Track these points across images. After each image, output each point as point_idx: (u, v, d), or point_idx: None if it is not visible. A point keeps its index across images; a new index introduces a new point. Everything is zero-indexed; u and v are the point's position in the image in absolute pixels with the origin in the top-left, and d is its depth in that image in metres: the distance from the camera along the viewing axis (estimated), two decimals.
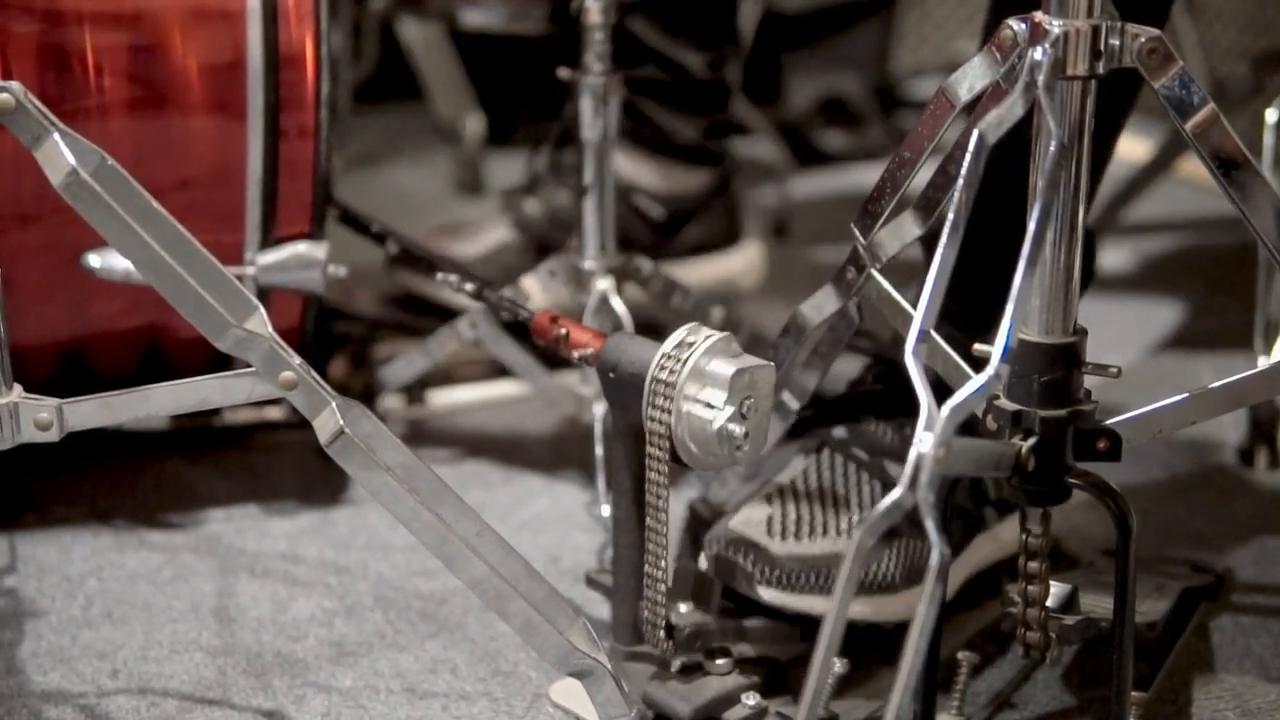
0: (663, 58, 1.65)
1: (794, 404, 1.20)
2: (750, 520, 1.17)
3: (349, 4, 2.26)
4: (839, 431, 1.23)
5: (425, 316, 1.62)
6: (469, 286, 1.33)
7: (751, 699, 1.08)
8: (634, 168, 1.65)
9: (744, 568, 1.14)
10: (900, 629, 1.10)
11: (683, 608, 1.11)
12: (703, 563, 1.16)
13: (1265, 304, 1.43)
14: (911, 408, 0.85)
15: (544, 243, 1.63)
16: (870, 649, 1.12)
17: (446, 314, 1.52)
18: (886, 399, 1.23)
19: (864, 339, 1.27)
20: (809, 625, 1.12)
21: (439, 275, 1.36)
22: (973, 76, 0.98)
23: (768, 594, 1.13)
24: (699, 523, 1.28)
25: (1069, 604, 1.07)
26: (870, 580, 1.14)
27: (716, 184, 1.72)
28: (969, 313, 1.15)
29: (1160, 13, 1.21)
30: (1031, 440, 0.96)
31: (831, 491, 1.18)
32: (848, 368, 1.30)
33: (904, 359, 0.88)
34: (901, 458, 1.10)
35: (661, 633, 1.08)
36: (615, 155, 1.43)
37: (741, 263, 1.70)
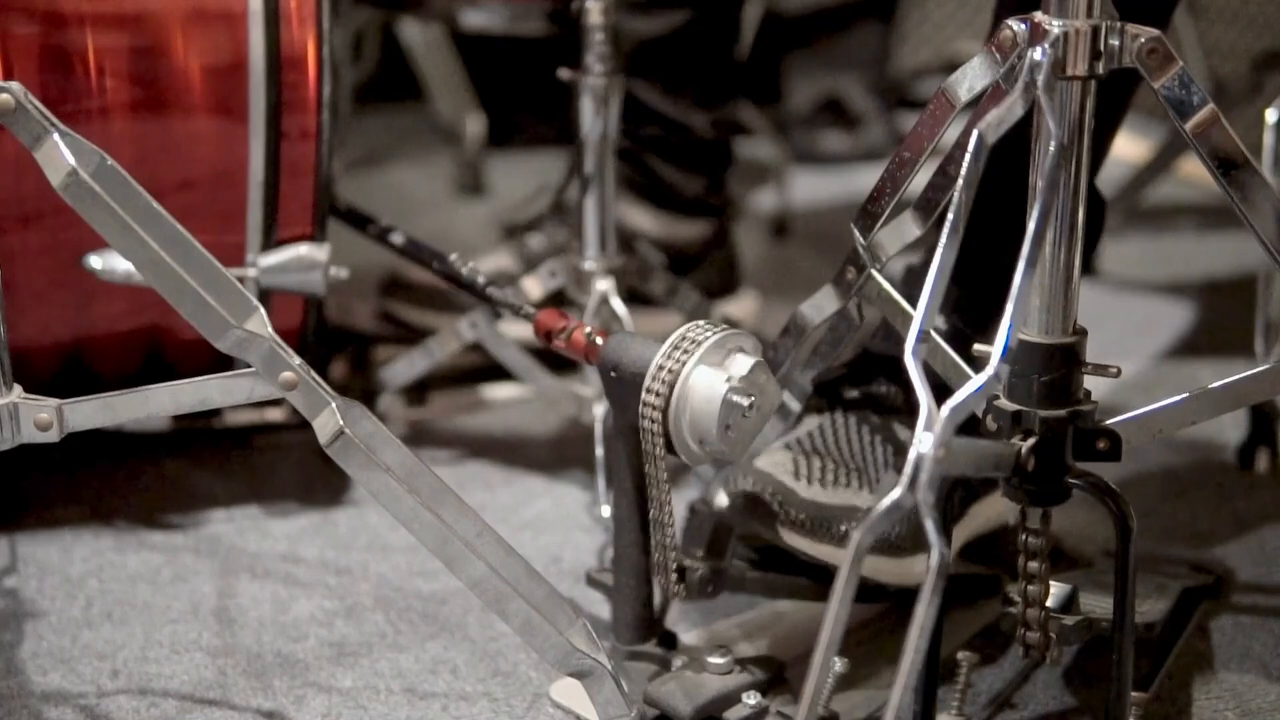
0: (666, 119, 1.67)
1: (794, 405, 1.20)
2: (776, 463, 1.16)
3: (350, 5, 2.25)
4: (850, 392, 1.23)
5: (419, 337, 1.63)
6: (480, 279, 1.32)
7: (752, 698, 1.08)
8: (637, 216, 1.66)
9: (768, 505, 1.12)
10: (902, 591, 1.11)
11: (695, 554, 1.11)
12: (721, 498, 1.15)
13: (1265, 305, 1.43)
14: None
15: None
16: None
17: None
18: (895, 362, 1.24)
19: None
20: (817, 575, 1.11)
21: (453, 256, 1.36)
22: (973, 77, 0.98)
23: (788, 536, 1.12)
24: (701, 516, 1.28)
25: (1069, 604, 1.07)
26: (886, 540, 1.13)
27: (715, 234, 1.73)
28: (977, 307, 1.15)
29: (1163, 14, 1.21)
30: (1031, 440, 0.96)
31: (848, 447, 1.18)
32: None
33: (903, 359, 0.88)
34: (911, 419, 1.10)
35: (673, 575, 1.07)
36: (619, 204, 1.43)
37: (739, 311, 1.71)
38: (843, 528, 1.12)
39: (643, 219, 1.68)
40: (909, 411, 1.19)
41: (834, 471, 1.16)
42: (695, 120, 1.68)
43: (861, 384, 1.23)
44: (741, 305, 1.73)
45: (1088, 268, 1.21)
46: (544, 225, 1.68)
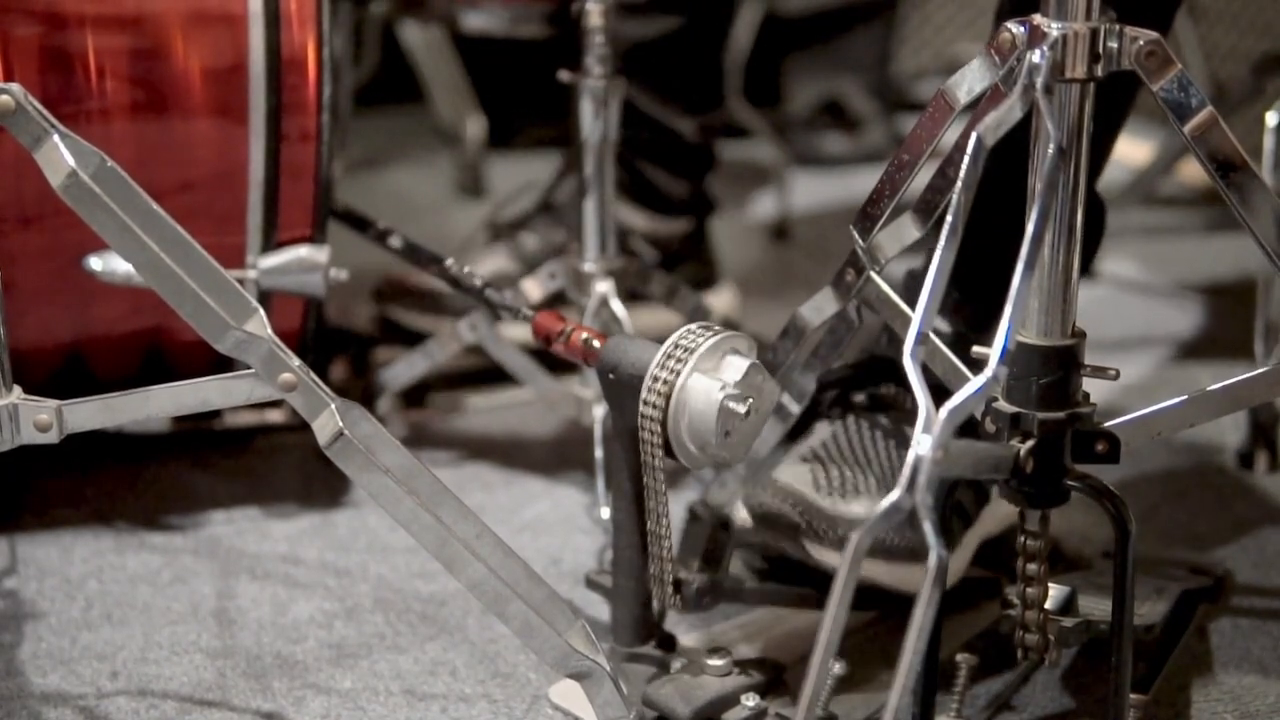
0: (655, 123, 1.69)
1: (794, 407, 1.20)
2: (797, 475, 1.16)
3: (350, 7, 2.26)
4: (859, 397, 1.23)
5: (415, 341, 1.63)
6: (477, 281, 1.32)
7: (751, 700, 1.08)
8: (628, 214, 1.67)
9: (792, 520, 1.13)
10: (900, 596, 1.11)
11: (691, 566, 1.11)
12: (742, 514, 1.15)
13: (1265, 307, 1.43)
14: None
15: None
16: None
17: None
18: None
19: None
20: (820, 583, 1.11)
21: (449, 260, 1.36)
22: (972, 79, 0.98)
23: (817, 552, 1.12)
24: (698, 525, 1.28)
25: (1068, 606, 1.07)
26: (890, 545, 1.13)
27: (695, 232, 1.75)
28: (978, 309, 1.15)
29: (1165, 17, 1.21)
30: (1030, 442, 0.96)
31: (863, 455, 1.18)
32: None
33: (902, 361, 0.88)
34: None
35: (669, 588, 1.07)
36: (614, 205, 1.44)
37: (721, 303, 1.72)
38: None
39: (632, 215, 1.69)
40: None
41: (854, 481, 1.16)
42: (683, 126, 1.70)
43: (868, 387, 1.23)
44: (720, 298, 1.74)
45: (1087, 271, 1.21)
46: (535, 224, 1.68)
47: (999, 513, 1.23)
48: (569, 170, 1.67)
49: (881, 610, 1.17)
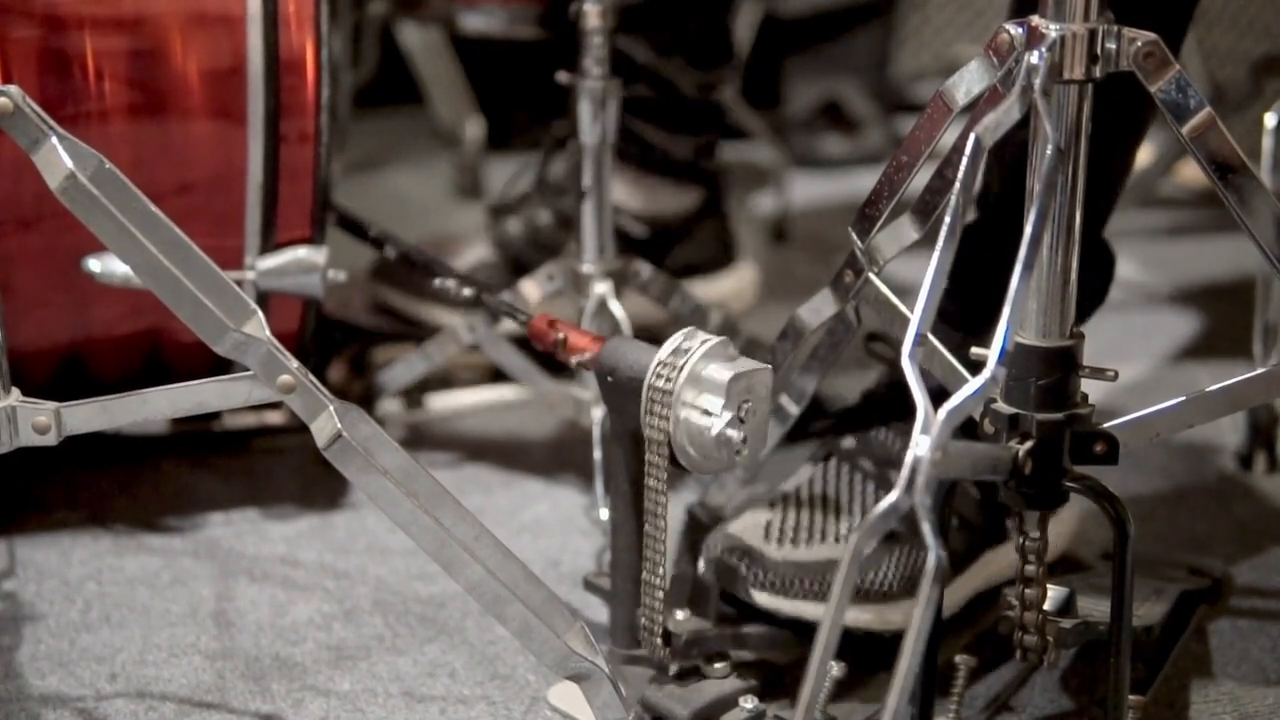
0: (654, 75, 1.64)
1: (792, 408, 1.20)
2: (749, 526, 1.17)
3: (349, 8, 2.26)
4: (848, 441, 1.23)
5: (413, 328, 1.63)
6: (467, 291, 1.33)
7: (749, 702, 1.08)
8: (617, 187, 1.65)
9: (740, 571, 1.14)
10: (897, 638, 1.10)
11: (680, 614, 1.11)
12: (701, 567, 1.17)
13: (1263, 308, 1.43)
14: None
15: (521, 262, 1.63)
16: (866, 657, 1.12)
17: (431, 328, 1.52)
18: (898, 406, 1.23)
19: (879, 343, 1.27)
20: (805, 630, 1.11)
21: (437, 280, 1.36)
22: (970, 80, 0.98)
23: (762, 598, 1.13)
24: (698, 527, 1.28)
25: (1067, 607, 1.07)
26: (868, 587, 1.14)
27: (706, 204, 1.70)
28: (969, 314, 1.15)
29: (1179, 23, 1.19)
30: (1029, 444, 0.96)
31: (835, 499, 1.18)
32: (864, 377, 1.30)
33: (900, 362, 0.88)
34: None
35: (659, 639, 1.08)
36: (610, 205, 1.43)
37: (732, 285, 1.68)
38: (813, 583, 1.12)
39: (623, 190, 1.65)
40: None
41: (809, 528, 1.16)
42: (683, 79, 1.64)
43: (860, 429, 1.23)
44: (738, 278, 1.71)
45: (1084, 320, 1.20)
46: (523, 207, 1.67)
47: (1004, 560, 1.22)
48: (556, 147, 1.64)
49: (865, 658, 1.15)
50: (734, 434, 1.02)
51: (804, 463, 1.25)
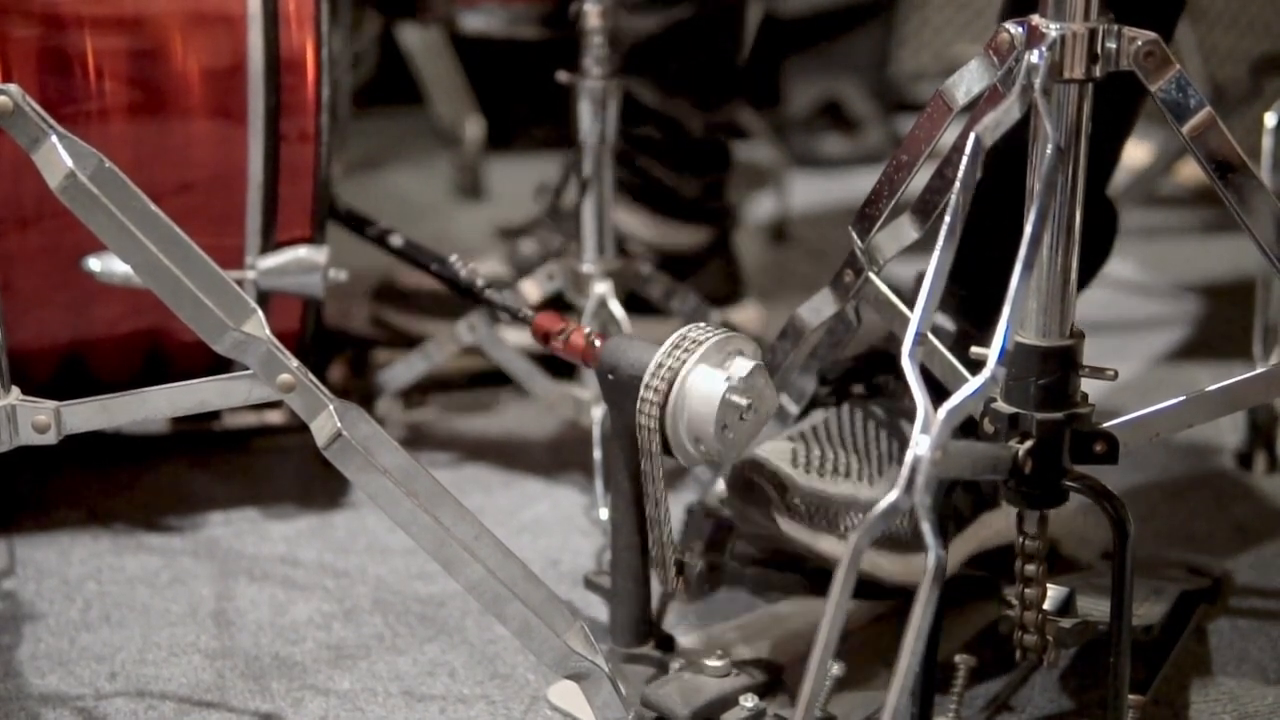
0: (661, 117, 1.65)
1: (792, 408, 1.20)
2: (776, 450, 1.16)
3: (349, 8, 2.26)
4: (857, 388, 1.23)
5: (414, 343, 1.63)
6: (479, 281, 1.32)
7: (750, 701, 1.08)
8: (629, 220, 1.65)
9: (765, 492, 1.12)
10: (901, 589, 1.11)
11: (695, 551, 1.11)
12: (720, 486, 1.15)
13: (1263, 307, 1.43)
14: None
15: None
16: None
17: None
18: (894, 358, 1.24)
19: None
20: (810, 574, 1.11)
21: (453, 257, 1.36)
22: (970, 79, 0.98)
23: (785, 524, 1.13)
24: (698, 519, 1.28)
25: (1066, 607, 1.07)
26: (886, 536, 1.13)
27: (714, 241, 1.71)
28: (980, 309, 1.15)
29: (1168, 20, 1.20)
30: (1028, 443, 0.96)
31: (852, 439, 1.18)
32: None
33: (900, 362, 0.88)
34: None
35: (672, 570, 1.07)
36: (614, 208, 1.43)
37: (741, 321, 1.69)
38: (843, 524, 1.12)
39: (637, 224, 1.67)
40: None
41: (834, 462, 1.15)
42: (692, 121, 1.67)
43: (868, 378, 1.23)
44: (744, 314, 1.72)
45: (1086, 282, 1.21)
46: (537, 229, 1.68)
47: (1000, 523, 1.22)
48: (571, 171, 1.65)
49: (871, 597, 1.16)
50: (739, 399, 1.02)
51: (814, 408, 1.24)
